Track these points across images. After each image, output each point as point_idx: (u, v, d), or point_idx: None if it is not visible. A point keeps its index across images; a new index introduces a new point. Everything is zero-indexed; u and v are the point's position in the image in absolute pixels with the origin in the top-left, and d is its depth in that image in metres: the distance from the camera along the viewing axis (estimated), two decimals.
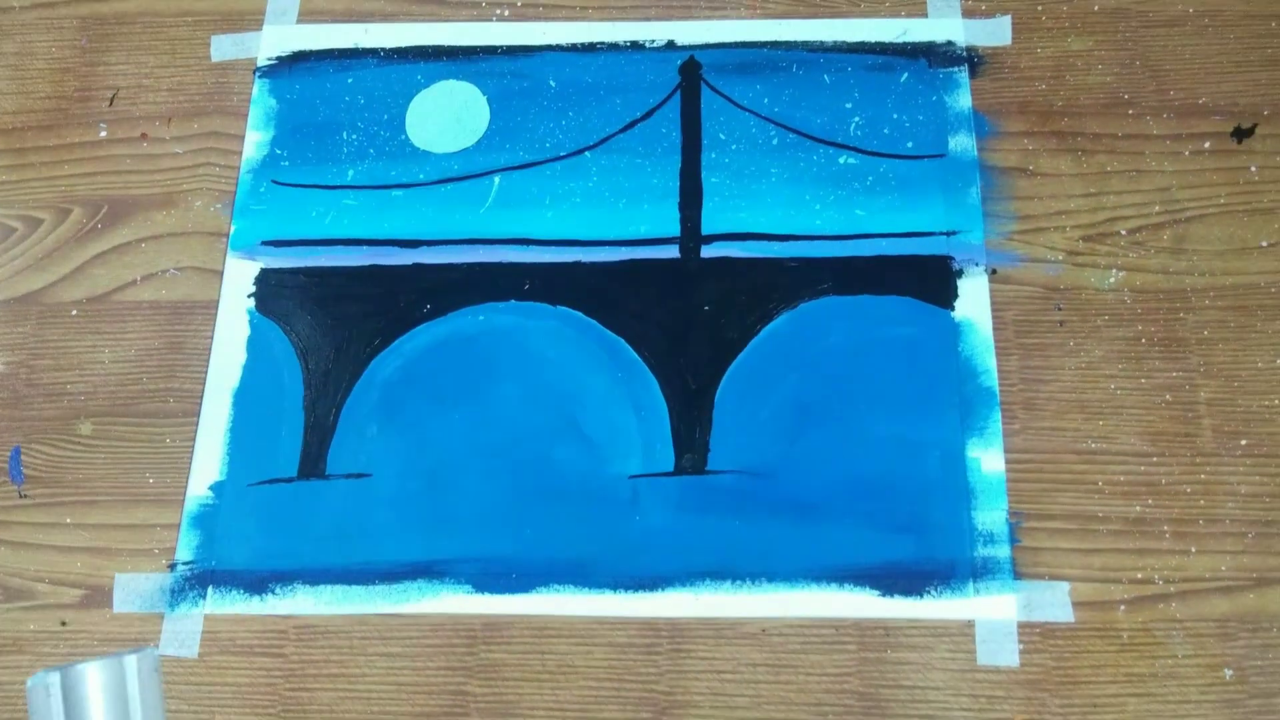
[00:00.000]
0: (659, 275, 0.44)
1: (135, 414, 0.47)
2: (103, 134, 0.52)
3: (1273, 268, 0.46)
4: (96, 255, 0.50)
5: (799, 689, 0.41)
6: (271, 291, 0.48)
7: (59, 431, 0.47)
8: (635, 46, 0.52)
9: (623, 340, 0.46)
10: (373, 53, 0.52)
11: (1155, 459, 0.43)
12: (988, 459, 0.43)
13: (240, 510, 0.45)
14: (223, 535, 0.44)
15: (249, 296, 0.48)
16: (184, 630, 0.43)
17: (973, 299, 0.46)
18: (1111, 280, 0.46)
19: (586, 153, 0.50)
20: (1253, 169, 0.48)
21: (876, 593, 0.42)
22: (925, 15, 0.51)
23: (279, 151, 0.51)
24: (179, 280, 0.49)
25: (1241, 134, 0.48)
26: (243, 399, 0.47)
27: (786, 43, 0.51)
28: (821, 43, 0.51)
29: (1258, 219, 0.47)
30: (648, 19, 0.52)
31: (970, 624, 0.41)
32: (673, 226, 0.48)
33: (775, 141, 0.49)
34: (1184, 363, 0.45)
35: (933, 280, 0.46)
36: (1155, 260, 0.46)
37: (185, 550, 0.44)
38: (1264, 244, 0.46)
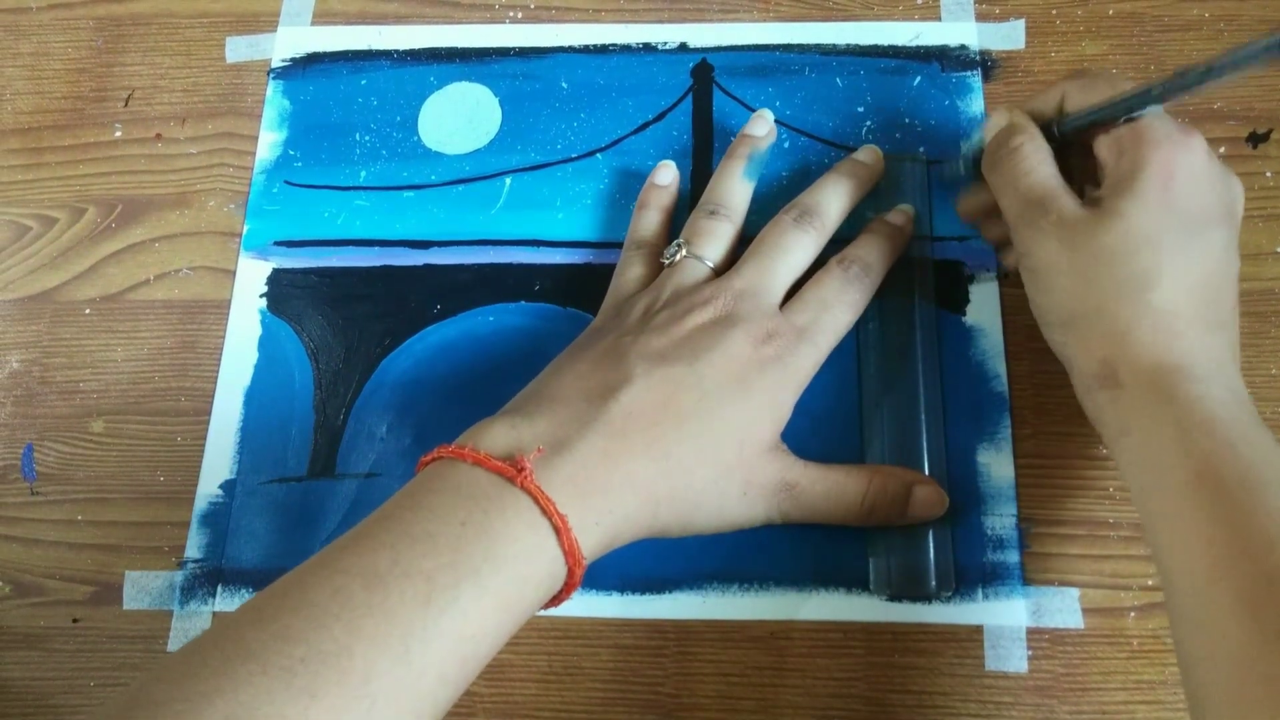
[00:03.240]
0: None
1: (147, 412, 0.47)
2: (118, 134, 0.52)
3: None
4: (110, 254, 0.50)
5: (805, 693, 0.41)
6: (283, 291, 0.48)
7: (71, 429, 0.47)
8: (647, 49, 0.52)
9: None
10: (386, 54, 0.53)
11: None
12: (998, 464, 0.43)
13: (250, 509, 0.45)
14: (233, 533, 0.45)
15: (261, 296, 0.48)
16: (193, 628, 0.43)
17: (984, 304, 0.46)
18: None
19: (598, 154, 0.50)
20: (1268, 174, 0.47)
21: (884, 597, 0.42)
22: (939, 19, 0.51)
23: (292, 152, 0.51)
24: (192, 280, 0.49)
25: (1256, 139, 0.48)
26: (254, 398, 0.47)
27: (799, 46, 0.51)
28: (834, 46, 0.51)
29: (1273, 225, 0.46)
30: (660, 21, 0.52)
31: (978, 629, 0.41)
32: None
33: (787, 144, 0.49)
34: None
35: (944, 285, 0.46)
36: None
37: (195, 548, 0.45)
38: (1279, 250, 0.46)
